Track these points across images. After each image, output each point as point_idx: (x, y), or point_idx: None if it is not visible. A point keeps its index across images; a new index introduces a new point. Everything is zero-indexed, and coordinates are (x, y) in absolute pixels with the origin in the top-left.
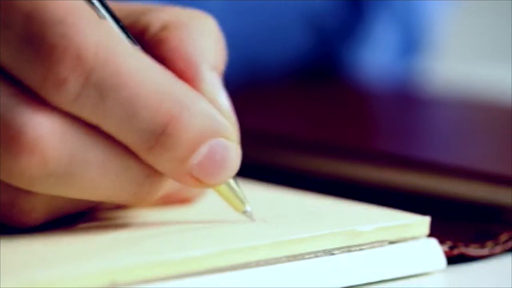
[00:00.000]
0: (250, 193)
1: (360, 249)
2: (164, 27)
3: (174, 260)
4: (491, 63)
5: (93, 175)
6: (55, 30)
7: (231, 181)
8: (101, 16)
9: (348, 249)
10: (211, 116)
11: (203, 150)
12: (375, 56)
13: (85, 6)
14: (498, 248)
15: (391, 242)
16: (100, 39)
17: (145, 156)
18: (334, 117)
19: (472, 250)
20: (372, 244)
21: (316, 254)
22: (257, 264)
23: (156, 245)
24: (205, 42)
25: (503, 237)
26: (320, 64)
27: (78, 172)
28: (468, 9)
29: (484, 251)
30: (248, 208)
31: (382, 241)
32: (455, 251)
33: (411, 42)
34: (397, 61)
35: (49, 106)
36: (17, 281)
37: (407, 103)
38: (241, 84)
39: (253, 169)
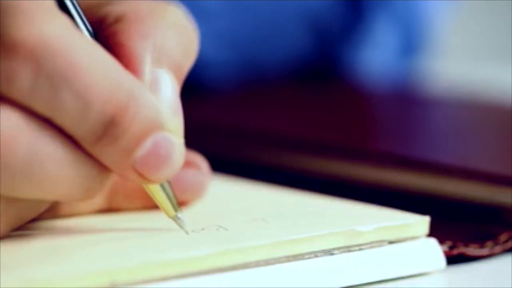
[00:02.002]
0: (250, 193)
1: (360, 249)
2: (118, 20)
3: (174, 260)
4: (491, 63)
5: (49, 170)
6: (8, 20)
7: (167, 186)
8: (63, 5)
9: (348, 249)
10: (158, 110)
11: (148, 143)
12: (375, 57)
13: None
14: (497, 248)
15: (391, 242)
16: (54, 30)
17: (91, 148)
18: (334, 117)
19: (471, 250)
20: (371, 244)
21: (315, 254)
22: (257, 264)
23: (155, 245)
24: (160, 36)
25: (503, 237)
26: (320, 65)
27: (35, 166)
28: (468, 9)
29: (484, 251)
30: (180, 215)
31: (381, 241)
32: (455, 251)
33: (411, 42)
34: (397, 62)
35: (3, 99)
36: (17, 281)
37: (407, 103)
38: (241, 85)
39: (253, 169)
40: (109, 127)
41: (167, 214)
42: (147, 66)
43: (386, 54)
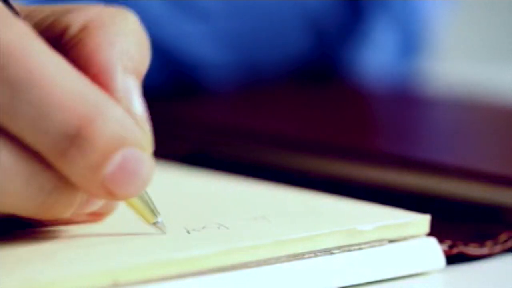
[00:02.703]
0: (252, 191)
1: (360, 248)
2: (83, 28)
3: (176, 260)
4: (491, 64)
5: None
6: None
7: (143, 194)
8: (16, 15)
9: (348, 248)
10: (125, 124)
11: (116, 159)
12: (375, 57)
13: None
14: (497, 248)
15: (391, 241)
16: (13, 37)
17: (56, 162)
18: (334, 117)
19: (471, 249)
20: (371, 243)
21: (315, 253)
22: (257, 263)
23: (157, 245)
24: (125, 43)
25: (503, 236)
26: (320, 65)
27: None
28: (468, 9)
29: (483, 251)
30: (159, 219)
31: (381, 240)
32: (454, 250)
33: (411, 43)
34: (396, 62)
35: None
36: (18, 281)
37: (407, 103)
38: (241, 85)
39: (253, 169)
40: (75, 141)
41: (145, 221)
42: (119, 74)
43: (386, 54)
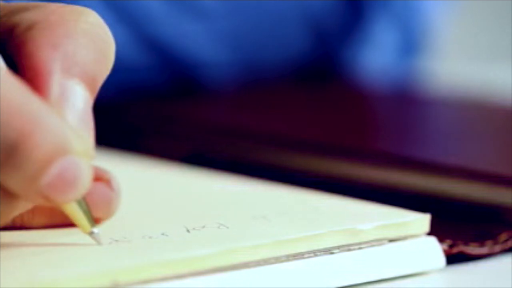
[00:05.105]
0: (252, 190)
1: (360, 248)
2: (29, 28)
3: (176, 260)
4: (491, 64)
5: None
6: None
7: (81, 202)
8: None
9: (348, 247)
10: (63, 134)
11: (53, 169)
12: (375, 56)
13: None
14: (497, 248)
15: (391, 240)
16: None
17: None
18: (334, 117)
19: (471, 249)
20: (371, 243)
21: (315, 253)
22: (257, 263)
23: (157, 245)
24: (71, 45)
25: (503, 236)
26: (320, 65)
27: None
28: (468, 9)
29: (484, 250)
30: (95, 229)
31: (381, 239)
32: (455, 250)
33: (411, 42)
34: (396, 61)
35: None
36: (18, 281)
37: (407, 103)
38: (241, 85)
39: (253, 169)
40: (13, 155)
41: (82, 229)
42: (55, 78)
43: (386, 54)
